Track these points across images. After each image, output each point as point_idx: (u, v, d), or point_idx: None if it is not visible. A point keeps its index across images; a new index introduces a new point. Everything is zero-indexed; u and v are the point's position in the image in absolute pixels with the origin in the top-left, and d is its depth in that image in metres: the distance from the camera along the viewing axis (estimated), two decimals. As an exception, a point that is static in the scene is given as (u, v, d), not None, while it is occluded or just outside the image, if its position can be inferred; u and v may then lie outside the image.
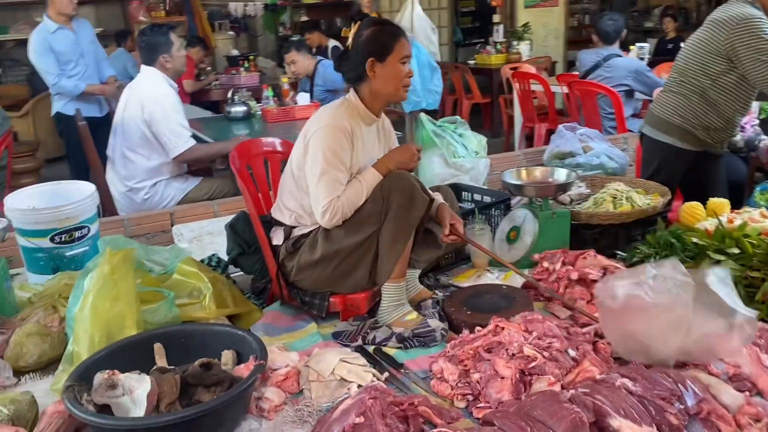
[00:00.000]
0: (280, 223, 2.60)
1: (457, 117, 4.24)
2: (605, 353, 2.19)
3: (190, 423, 1.75)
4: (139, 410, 1.81)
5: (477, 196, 3.50)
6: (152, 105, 3.94)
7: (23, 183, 5.07)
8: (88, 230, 3.20)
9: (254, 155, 2.81)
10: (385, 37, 2.46)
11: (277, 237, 2.59)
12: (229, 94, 5.88)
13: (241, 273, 2.88)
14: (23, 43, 6.16)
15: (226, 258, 2.85)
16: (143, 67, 4.10)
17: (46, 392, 2.17)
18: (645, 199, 3.22)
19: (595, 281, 2.61)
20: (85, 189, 3.29)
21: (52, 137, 7.37)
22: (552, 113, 7.00)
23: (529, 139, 7.34)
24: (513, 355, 2.11)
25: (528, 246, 2.95)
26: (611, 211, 3.10)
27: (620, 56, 5.67)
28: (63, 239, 3.12)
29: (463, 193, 3.58)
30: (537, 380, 2.02)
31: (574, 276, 2.64)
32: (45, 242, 3.09)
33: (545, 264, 2.79)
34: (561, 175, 3.08)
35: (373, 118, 2.56)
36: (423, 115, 4.12)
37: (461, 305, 2.56)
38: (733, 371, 2.00)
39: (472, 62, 9.70)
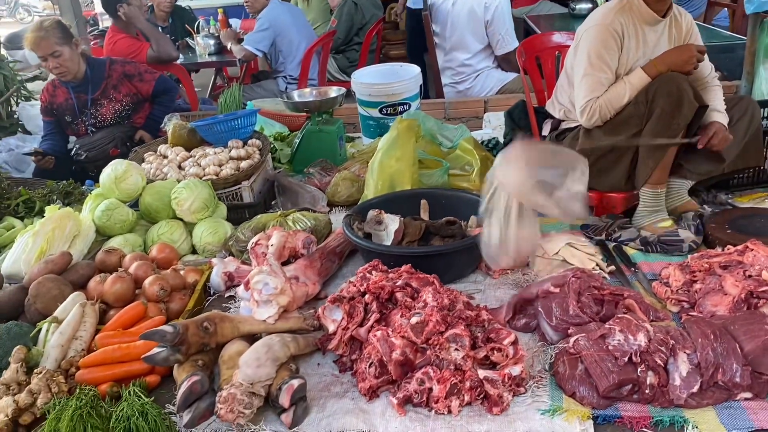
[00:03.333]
0: (551, 116, 2.75)
1: (819, 23, 3.58)
2: None
3: (418, 258, 2.17)
4: (387, 241, 2.31)
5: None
6: (494, 6, 4.26)
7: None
8: (410, 106, 3.78)
9: (545, 48, 2.94)
10: None
11: (546, 128, 2.76)
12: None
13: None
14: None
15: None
16: None
17: (343, 220, 2.83)
18: None
19: None
20: (411, 71, 3.86)
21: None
22: None
23: None
24: (750, 276, 2.00)
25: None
26: None
27: None
28: (388, 111, 3.76)
29: (793, 112, 3.12)
30: (765, 305, 1.90)
31: None
32: (375, 112, 3.78)
33: None
34: None
35: (655, 18, 2.45)
36: (772, 19, 3.60)
37: (725, 223, 2.42)
38: None
39: None
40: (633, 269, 2.30)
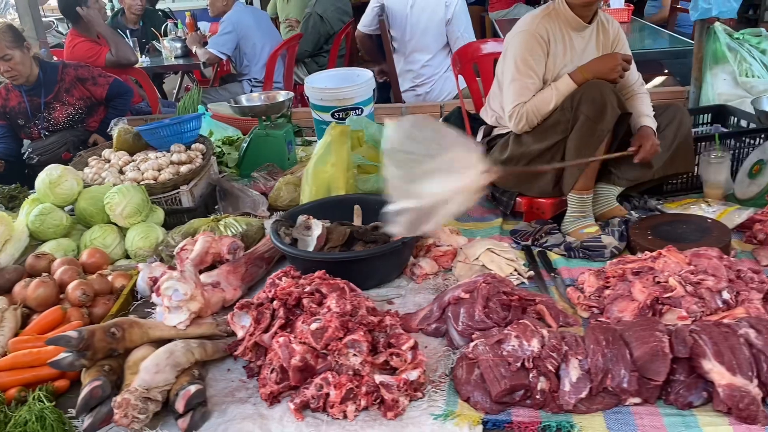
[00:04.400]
0: (484, 122, 2.78)
1: (763, 30, 3.63)
2: (776, 307, 1.94)
3: (338, 263, 2.20)
4: (311, 247, 2.33)
5: (743, 123, 3.08)
6: (453, 4, 4.27)
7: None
8: (362, 111, 3.80)
9: (481, 56, 2.97)
10: None
11: (480, 134, 2.79)
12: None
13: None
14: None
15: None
16: None
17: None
18: None
19: (820, 233, 2.23)
20: (364, 75, 3.87)
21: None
22: None
23: None
24: (658, 282, 2.03)
25: (764, 184, 2.58)
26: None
27: None
28: (341, 116, 3.78)
29: (731, 117, 3.17)
30: (668, 311, 1.94)
31: (795, 223, 2.28)
32: (327, 116, 3.79)
33: (774, 206, 2.44)
34: (836, 106, 2.54)
35: (581, 24, 2.49)
36: (718, 25, 3.64)
37: (647, 230, 2.45)
38: None
39: None
40: (552, 274, 2.33)
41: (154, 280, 2.36)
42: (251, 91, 5.13)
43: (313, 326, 1.77)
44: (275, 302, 1.92)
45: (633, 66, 2.57)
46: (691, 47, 3.86)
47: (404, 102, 4.58)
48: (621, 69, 2.42)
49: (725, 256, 2.12)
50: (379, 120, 4.19)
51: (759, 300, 1.95)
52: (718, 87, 3.64)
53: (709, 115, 3.27)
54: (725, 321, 1.79)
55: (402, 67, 4.57)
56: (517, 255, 2.42)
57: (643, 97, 2.62)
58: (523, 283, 2.29)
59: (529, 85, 2.46)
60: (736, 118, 3.12)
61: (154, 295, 2.06)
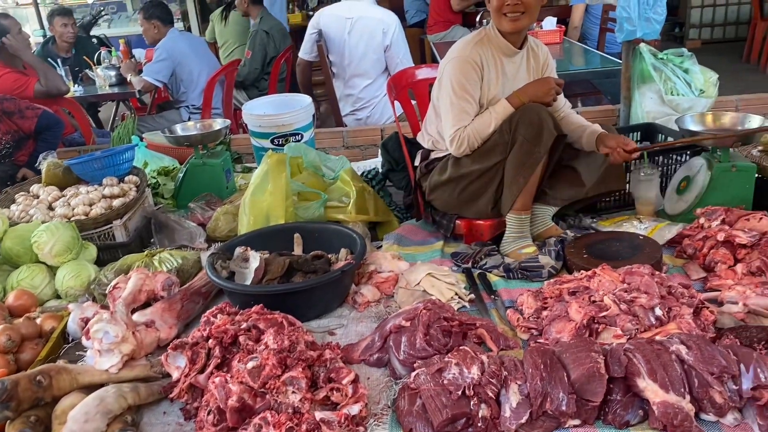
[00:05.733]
0: (421, 146, 2.80)
1: (684, 50, 3.79)
2: (706, 321, 2.00)
3: (276, 296, 2.16)
4: (249, 280, 2.28)
5: (671, 140, 3.19)
6: (391, 30, 4.31)
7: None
8: (302, 137, 3.78)
9: (416, 81, 3.00)
10: None
11: (418, 158, 2.80)
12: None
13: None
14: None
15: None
16: None
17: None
18: None
19: (743, 246, 2.32)
20: (302, 101, 3.86)
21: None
22: None
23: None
24: (594, 301, 2.07)
25: (691, 200, 2.68)
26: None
27: None
28: (280, 142, 3.74)
29: (658, 135, 3.29)
30: (604, 330, 1.97)
31: (721, 237, 2.36)
32: (267, 143, 3.75)
33: (701, 220, 2.53)
34: (754, 123, 2.67)
35: (512, 49, 2.54)
36: (643, 46, 3.78)
37: (582, 248, 2.50)
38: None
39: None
40: (493, 297, 2.35)
41: (86, 321, 2.27)
42: (189, 118, 5.05)
43: (250, 365, 1.73)
44: (210, 341, 1.86)
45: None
46: (619, 67, 4.00)
47: (345, 126, 4.59)
48: (554, 92, 2.48)
49: (657, 273, 2.18)
50: (320, 145, 4.19)
51: (689, 315, 2.00)
52: (646, 105, 3.77)
53: (639, 133, 3.39)
54: (658, 338, 1.83)
55: (342, 92, 4.58)
56: (458, 278, 2.43)
57: (574, 113, 2.70)
58: (464, 306, 2.30)
59: (468, 109, 2.50)
60: (663, 136, 3.24)
61: (83, 338, 1.98)
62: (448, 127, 2.53)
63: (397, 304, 2.33)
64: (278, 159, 2.69)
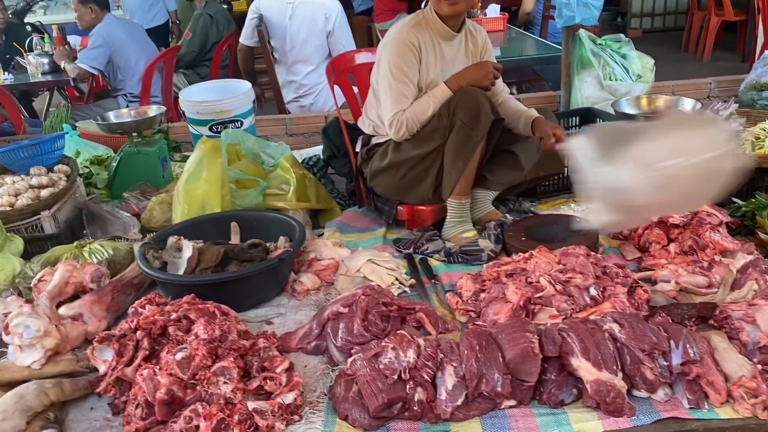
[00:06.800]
0: (362, 132, 2.76)
1: (622, 36, 3.86)
2: (640, 300, 2.03)
3: (209, 286, 2.10)
4: (181, 270, 2.21)
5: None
6: (333, 16, 4.24)
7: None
8: (242, 123, 3.69)
9: (355, 66, 2.96)
10: None
11: (359, 144, 2.77)
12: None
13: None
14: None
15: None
16: None
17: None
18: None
19: (676, 226, 2.37)
20: (242, 86, 3.76)
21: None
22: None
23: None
24: (530, 283, 2.07)
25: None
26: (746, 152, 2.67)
27: None
28: (219, 129, 3.64)
29: (596, 119, 3.33)
30: (540, 310, 1.98)
31: (654, 218, 2.40)
32: (205, 130, 3.64)
33: (637, 202, 2.57)
34: (686, 106, 2.72)
35: (450, 33, 2.53)
36: (582, 32, 3.83)
37: (520, 231, 2.51)
38: (765, 341, 1.74)
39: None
40: (433, 281, 2.34)
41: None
42: (127, 107, 4.88)
43: (179, 356, 1.67)
44: (138, 332, 1.79)
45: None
46: (560, 53, 4.04)
47: (289, 113, 4.51)
48: (492, 76, 2.47)
49: (592, 254, 2.20)
50: (262, 132, 4.10)
51: (624, 294, 2.03)
52: (585, 91, 3.82)
53: (577, 117, 3.42)
54: (592, 317, 1.85)
55: (285, 78, 4.50)
56: (398, 264, 2.41)
57: (512, 99, 2.70)
58: (404, 291, 2.28)
59: (406, 92, 2.47)
60: (601, 120, 3.28)
61: (3, 333, 1.88)
62: (387, 111, 2.50)
63: (337, 291, 2.30)
64: (213, 145, 2.62)
